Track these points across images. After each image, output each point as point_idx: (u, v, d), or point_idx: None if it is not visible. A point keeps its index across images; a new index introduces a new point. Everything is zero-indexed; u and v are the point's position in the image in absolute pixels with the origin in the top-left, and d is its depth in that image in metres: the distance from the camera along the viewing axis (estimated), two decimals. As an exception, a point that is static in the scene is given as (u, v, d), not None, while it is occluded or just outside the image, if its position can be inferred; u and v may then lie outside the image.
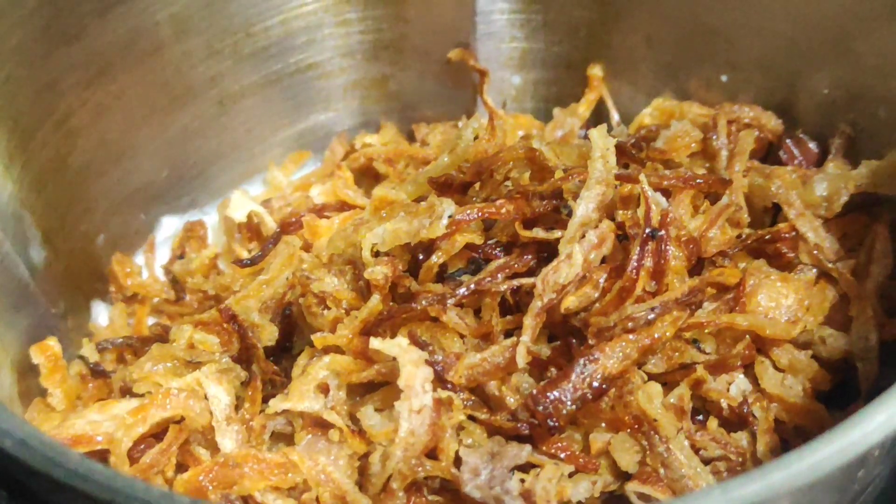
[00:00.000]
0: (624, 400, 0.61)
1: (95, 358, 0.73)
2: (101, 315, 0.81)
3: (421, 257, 0.66)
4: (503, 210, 0.65)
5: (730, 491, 0.42)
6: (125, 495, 0.43)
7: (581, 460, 0.61)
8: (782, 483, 0.41)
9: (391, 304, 0.65)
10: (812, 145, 0.77)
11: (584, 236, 0.63)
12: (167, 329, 0.73)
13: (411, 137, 0.90)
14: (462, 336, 0.64)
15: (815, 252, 0.69)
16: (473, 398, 0.62)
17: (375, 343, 0.61)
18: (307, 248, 0.75)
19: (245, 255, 0.79)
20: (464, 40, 0.87)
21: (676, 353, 0.63)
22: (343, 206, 0.82)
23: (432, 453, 0.60)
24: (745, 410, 0.63)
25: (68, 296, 0.78)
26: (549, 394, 0.60)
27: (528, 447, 0.60)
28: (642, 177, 0.63)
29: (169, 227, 0.86)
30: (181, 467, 0.62)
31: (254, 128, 0.87)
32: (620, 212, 0.65)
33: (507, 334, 0.64)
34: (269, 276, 0.71)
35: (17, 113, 0.71)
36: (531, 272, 0.64)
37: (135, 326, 0.80)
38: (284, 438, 0.64)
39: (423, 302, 0.63)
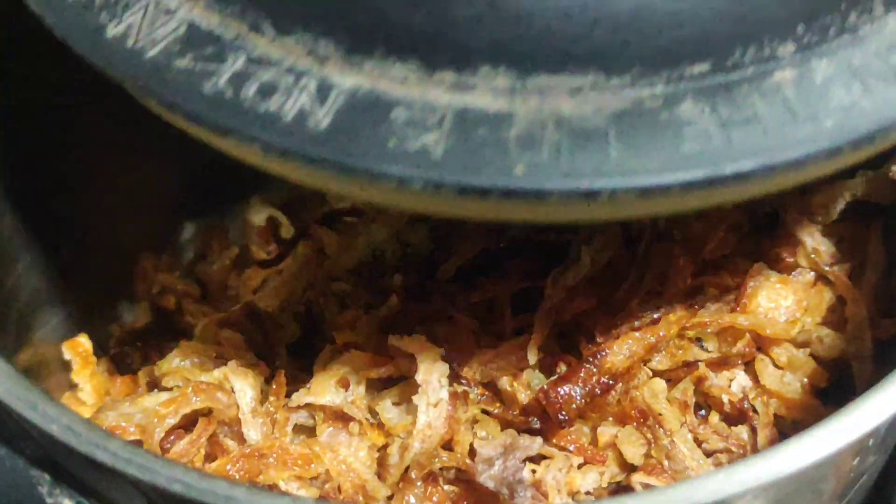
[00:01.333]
0: (630, 395, 0.64)
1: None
2: (126, 314, 0.84)
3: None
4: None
5: (734, 474, 0.45)
6: (166, 477, 0.45)
7: (589, 452, 0.64)
8: (783, 465, 0.43)
9: (408, 303, 0.68)
10: (810, 154, 0.79)
11: (591, 238, 0.66)
12: (191, 327, 0.76)
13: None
14: (476, 333, 0.67)
15: (813, 256, 0.72)
16: (487, 393, 0.65)
17: (394, 340, 0.64)
18: (325, 249, 0.78)
19: (265, 257, 0.82)
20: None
21: (680, 351, 0.66)
22: (357, 211, 0.84)
23: (448, 445, 0.63)
24: (745, 406, 0.66)
25: (95, 295, 0.81)
26: (559, 389, 0.63)
27: (539, 440, 0.63)
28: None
29: (191, 230, 0.89)
30: (209, 457, 0.65)
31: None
32: (627, 216, 0.68)
33: (519, 332, 0.67)
34: (290, 277, 0.74)
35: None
36: (542, 273, 0.67)
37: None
38: (307, 431, 0.66)
39: (440, 302, 0.66)
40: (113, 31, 0.42)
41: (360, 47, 0.39)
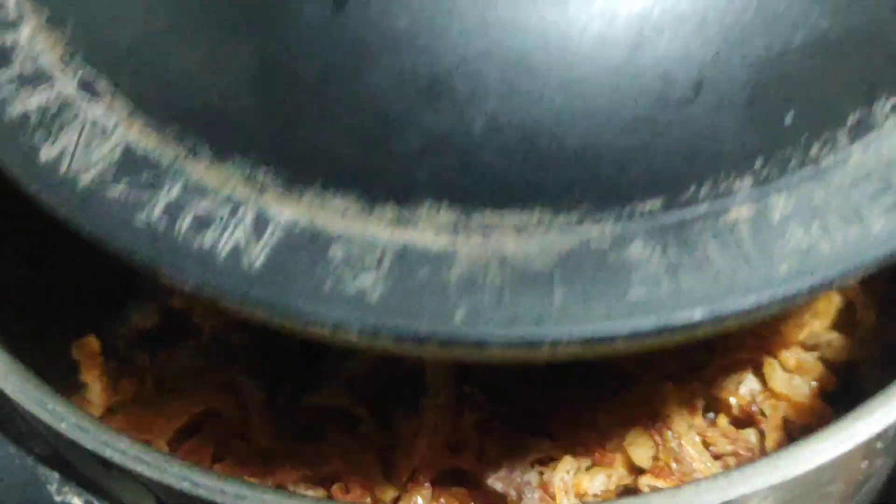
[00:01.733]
0: (638, 398, 0.64)
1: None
2: (134, 315, 0.84)
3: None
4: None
5: (742, 477, 0.44)
6: (175, 475, 0.45)
7: (597, 454, 0.64)
8: (791, 468, 0.43)
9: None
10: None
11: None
12: (200, 328, 0.76)
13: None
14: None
15: (822, 259, 0.72)
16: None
17: (402, 342, 0.64)
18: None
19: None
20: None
21: (689, 354, 0.66)
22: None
23: (456, 446, 0.63)
24: (753, 409, 0.66)
25: (103, 296, 0.81)
26: (568, 391, 0.63)
27: (547, 442, 0.63)
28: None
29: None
30: (217, 457, 0.65)
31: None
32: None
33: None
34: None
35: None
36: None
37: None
38: (315, 431, 0.66)
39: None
40: (46, 153, 0.40)
41: (299, 177, 0.38)
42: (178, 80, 0.40)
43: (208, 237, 0.38)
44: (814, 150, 0.39)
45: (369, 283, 0.36)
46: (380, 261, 0.37)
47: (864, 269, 0.37)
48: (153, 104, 0.40)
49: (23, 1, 0.44)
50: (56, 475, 0.48)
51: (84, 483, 0.48)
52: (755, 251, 0.37)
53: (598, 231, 0.37)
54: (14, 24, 0.44)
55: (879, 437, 0.46)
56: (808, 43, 0.37)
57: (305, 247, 0.37)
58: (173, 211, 0.38)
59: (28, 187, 0.40)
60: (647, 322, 0.35)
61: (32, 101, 0.42)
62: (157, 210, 0.38)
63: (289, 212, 0.38)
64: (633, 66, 0.36)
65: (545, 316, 0.35)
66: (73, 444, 0.45)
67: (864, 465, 0.49)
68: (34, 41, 0.43)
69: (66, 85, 0.42)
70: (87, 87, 0.42)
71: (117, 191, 0.39)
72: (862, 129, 0.39)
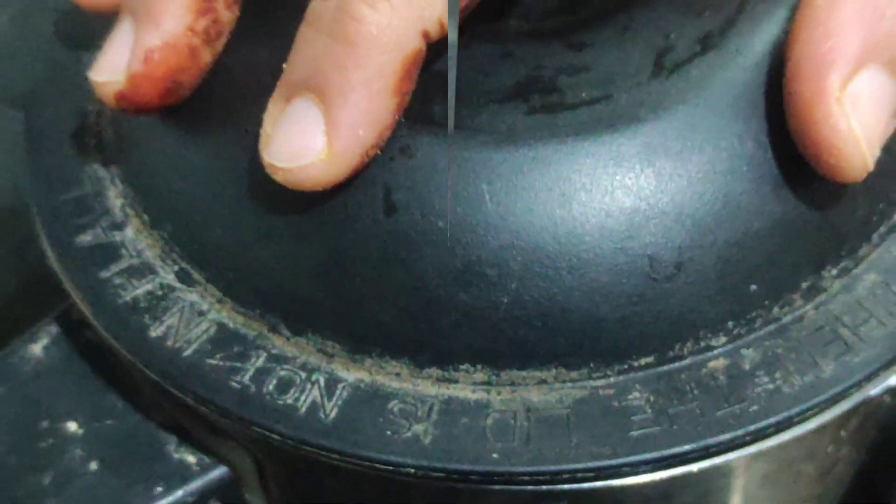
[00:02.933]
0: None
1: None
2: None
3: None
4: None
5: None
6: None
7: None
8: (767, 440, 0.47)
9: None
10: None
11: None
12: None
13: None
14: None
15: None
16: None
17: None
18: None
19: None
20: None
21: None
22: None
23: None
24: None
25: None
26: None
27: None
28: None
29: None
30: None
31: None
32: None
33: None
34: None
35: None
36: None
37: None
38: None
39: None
40: (155, 332, 0.49)
41: (361, 348, 0.47)
42: (258, 272, 0.49)
43: (290, 397, 0.47)
44: (775, 311, 0.48)
45: (422, 430, 0.45)
46: (429, 412, 0.46)
47: (820, 407, 0.46)
48: (239, 291, 0.50)
49: (126, 207, 0.54)
50: (174, 438, 0.53)
51: (197, 444, 0.53)
52: (731, 394, 0.46)
53: (604, 382, 0.47)
54: (120, 226, 0.54)
55: (841, 425, 0.50)
56: (766, 227, 0.47)
57: (369, 402, 0.47)
58: (260, 376, 0.48)
59: (140, 361, 0.49)
60: (646, 456, 0.44)
61: (140, 289, 0.51)
62: (248, 376, 0.48)
63: (354, 375, 0.48)
64: (626, 251, 0.46)
65: (564, 453, 0.44)
66: (191, 412, 0.50)
67: (830, 449, 0.52)
68: (138, 239, 0.53)
69: (166, 275, 0.52)
70: (183, 277, 0.51)
71: (214, 361, 0.48)
72: (814, 292, 0.49)
